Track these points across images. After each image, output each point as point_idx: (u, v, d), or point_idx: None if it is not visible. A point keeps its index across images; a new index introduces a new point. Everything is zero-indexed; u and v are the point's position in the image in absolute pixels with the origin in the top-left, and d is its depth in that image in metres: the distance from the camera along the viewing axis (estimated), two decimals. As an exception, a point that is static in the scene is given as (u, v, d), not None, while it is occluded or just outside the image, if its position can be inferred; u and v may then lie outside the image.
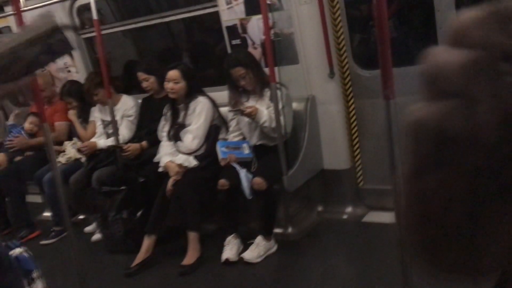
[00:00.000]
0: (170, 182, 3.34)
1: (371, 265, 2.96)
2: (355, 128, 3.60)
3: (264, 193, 3.19)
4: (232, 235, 3.31)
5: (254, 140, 3.41)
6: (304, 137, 3.50)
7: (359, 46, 3.69)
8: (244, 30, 3.61)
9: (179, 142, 3.54)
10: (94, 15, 3.72)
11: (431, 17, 3.17)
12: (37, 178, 4.17)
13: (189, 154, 3.47)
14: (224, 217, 3.43)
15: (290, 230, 3.48)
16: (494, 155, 0.41)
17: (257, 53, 3.57)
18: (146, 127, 3.91)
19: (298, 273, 3.02)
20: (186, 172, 3.38)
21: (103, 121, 4.16)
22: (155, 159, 3.56)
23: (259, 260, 3.21)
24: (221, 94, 3.58)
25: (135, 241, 3.48)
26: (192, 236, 3.29)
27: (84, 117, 4.32)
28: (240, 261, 3.21)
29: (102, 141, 4.05)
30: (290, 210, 3.48)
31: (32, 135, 4.51)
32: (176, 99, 3.57)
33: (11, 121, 5.13)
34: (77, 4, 4.35)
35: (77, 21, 4.45)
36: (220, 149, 3.42)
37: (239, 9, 3.56)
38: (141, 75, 3.85)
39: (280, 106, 3.20)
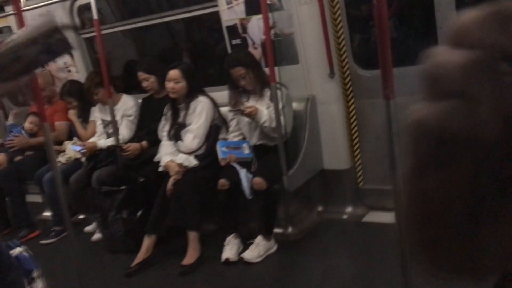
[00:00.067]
0: (171, 182, 3.34)
1: (371, 265, 2.96)
2: (355, 128, 3.60)
3: (264, 193, 3.19)
4: (232, 235, 3.31)
5: (254, 140, 3.42)
6: (304, 137, 3.50)
7: (359, 46, 3.69)
8: (244, 30, 3.61)
9: (179, 142, 3.54)
10: (94, 15, 3.72)
11: (431, 17, 3.17)
12: (37, 177, 4.17)
13: (189, 153, 3.47)
14: (224, 217, 3.44)
15: (290, 230, 3.49)
16: (494, 154, 0.41)
17: (257, 53, 3.57)
18: (146, 127, 3.91)
19: (298, 273, 3.02)
20: (186, 171, 3.38)
21: (103, 120, 4.16)
22: (156, 159, 3.55)
23: (259, 260, 3.21)
24: (221, 94, 3.58)
25: (135, 241, 3.48)
26: (192, 236, 3.29)
27: (84, 117, 4.32)
28: (240, 261, 3.21)
29: (102, 141, 4.05)
30: (290, 210, 3.48)
31: (32, 134, 4.51)
32: (177, 99, 3.57)
33: (10, 121, 5.13)
34: (77, 4, 4.35)
35: (77, 21, 4.44)
36: (220, 149, 3.42)
37: (239, 9, 3.56)
38: (141, 75, 3.85)
39: (280, 106, 3.20)
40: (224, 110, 3.60)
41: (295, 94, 3.45)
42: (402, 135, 0.48)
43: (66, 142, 4.27)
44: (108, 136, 4.09)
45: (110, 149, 3.91)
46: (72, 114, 4.32)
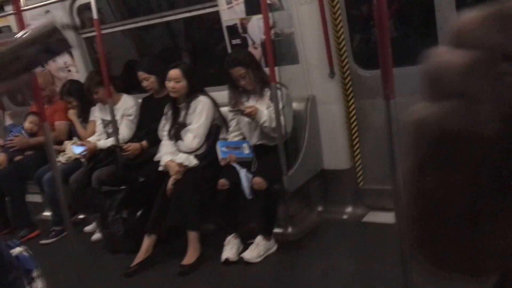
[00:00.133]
0: (171, 181, 3.34)
1: (371, 265, 2.96)
2: (355, 128, 3.60)
3: (264, 193, 3.19)
4: (232, 235, 3.31)
5: (254, 140, 3.41)
6: (304, 137, 3.50)
7: (360, 46, 3.69)
8: (245, 30, 3.61)
9: (179, 141, 3.54)
10: (94, 15, 3.72)
11: (431, 17, 3.17)
12: (37, 177, 4.17)
13: (189, 153, 3.47)
14: (224, 217, 3.44)
15: (290, 230, 3.49)
16: (494, 154, 0.41)
17: (257, 53, 3.57)
18: (146, 127, 3.91)
19: (298, 273, 3.02)
20: (186, 171, 3.38)
21: (103, 120, 4.16)
22: (156, 158, 3.56)
23: (259, 260, 3.21)
24: (221, 94, 3.58)
25: (135, 240, 3.48)
26: (192, 236, 3.29)
27: (84, 116, 4.32)
28: (240, 261, 3.21)
29: (102, 142, 4.05)
30: (290, 210, 3.48)
31: (32, 134, 4.51)
32: (177, 98, 3.57)
33: (9, 121, 5.13)
34: (77, 3, 4.35)
35: (77, 20, 4.44)
36: (220, 149, 3.42)
37: (239, 8, 3.56)
38: (141, 75, 3.85)
39: (280, 106, 3.20)
40: (224, 110, 3.60)
41: (295, 94, 3.45)
42: (402, 135, 0.48)
43: (66, 142, 4.27)
44: (108, 135, 4.09)
45: (110, 149, 3.91)
46: (72, 114, 4.32)
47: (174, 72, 3.51)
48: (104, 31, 3.99)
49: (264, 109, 3.27)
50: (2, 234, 4.13)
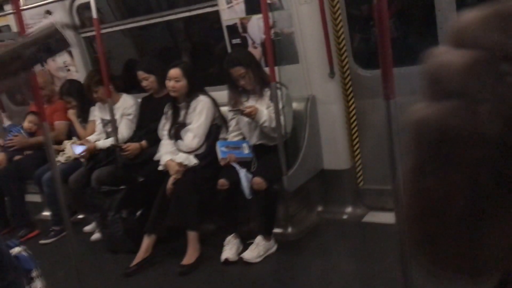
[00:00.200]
0: (170, 181, 3.33)
1: (371, 265, 2.96)
2: (355, 128, 3.60)
3: (264, 193, 3.19)
4: (231, 235, 3.31)
5: (254, 140, 3.41)
6: (304, 137, 3.50)
7: (360, 45, 3.69)
8: (244, 30, 3.61)
9: (179, 141, 3.54)
10: (94, 14, 3.72)
11: (431, 16, 3.17)
12: (37, 177, 4.17)
13: (189, 152, 3.47)
14: (223, 217, 3.43)
15: (289, 230, 3.48)
16: (495, 154, 0.41)
17: (257, 52, 3.57)
18: (145, 127, 3.91)
19: (298, 273, 3.02)
20: (186, 171, 3.38)
21: (102, 119, 4.16)
22: (155, 158, 3.55)
23: (258, 260, 3.20)
24: (221, 94, 3.58)
25: (135, 240, 3.48)
26: (192, 236, 3.29)
27: (84, 116, 4.32)
28: (240, 261, 3.21)
29: (101, 142, 4.04)
30: (290, 210, 3.47)
31: (31, 134, 4.50)
32: (177, 98, 3.57)
33: (7, 122, 5.13)
34: (76, 3, 4.35)
35: (76, 20, 4.44)
36: (220, 149, 3.42)
37: (239, 8, 3.56)
38: (141, 74, 3.85)
39: (280, 106, 3.20)
40: (224, 109, 3.60)
41: (295, 94, 3.45)
42: (402, 135, 0.48)
43: (65, 142, 4.27)
44: (107, 135, 4.09)
45: (109, 149, 3.91)
46: (71, 113, 4.32)
47: (174, 71, 3.51)
48: (103, 31, 3.99)
49: (264, 109, 3.27)
50: (2, 234, 4.13)
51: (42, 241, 4.08)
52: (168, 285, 3.19)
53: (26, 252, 1.98)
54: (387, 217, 3.15)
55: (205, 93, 3.60)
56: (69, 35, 3.98)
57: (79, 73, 4.59)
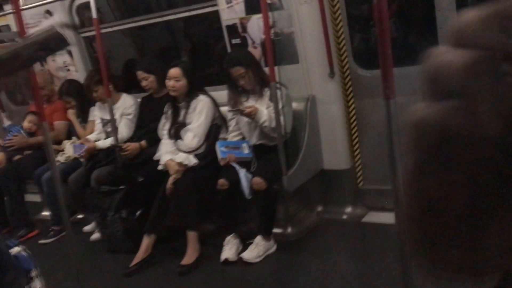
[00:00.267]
0: (170, 181, 3.33)
1: (370, 265, 2.96)
2: (355, 128, 3.60)
3: (263, 193, 3.19)
4: (231, 235, 3.31)
5: (254, 139, 3.41)
6: (304, 137, 3.50)
7: (360, 45, 3.69)
8: (244, 29, 3.61)
9: (179, 141, 3.54)
10: (94, 14, 3.72)
11: (431, 16, 3.17)
12: (36, 177, 4.17)
13: (189, 152, 3.47)
14: (223, 217, 3.43)
15: (289, 230, 3.48)
16: (495, 154, 0.41)
17: (257, 52, 3.57)
18: (145, 126, 3.91)
19: (297, 273, 3.02)
20: (186, 171, 3.38)
21: (102, 119, 4.16)
22: (155, 157, 3.55)
23: (258, 260, 3.20)
24: (221, 94, 3.58)
25: (134, 240, 3.47)
26: (191, 236, 3.29)
27: (83, 116, 4.32)
28: (239, 261, 3.21)
29: (101, 142, 4.04)
30: (289, 210, 3.48)
31: (31, 134, 4.50)
32: (177, 97, 3.57)
33: (7, 122, 5.13)
34: (76, 2, 4.35)
35: (76, 19, 4.44)
36: (220, 149, 3.42)
37: (239, 8, 3.56)
38: (140, 74, 3.85)
39: (280, 105, 3.20)
40: (224, 109, 3.60)
41: (295, 94, 3.45)
42: (402, 135, 0.48)
43: (65, 142, 4.27)
44: (107, 135, 4.09)
45: (109, 149, 3.91)
46: (71, 113, 4.32)
47: (174, 71, 3.51)
48: (103, 31, 3.98)
49: (263, 109, 3.27)
50: (1, 234, 4.13)
51: (41, 241, 4.08)
52: (167, 285, 3.19)
53: (26, 252, 1.98)
54: (387, 217, 3.15)
55: (205, 92, 3.60)
56: (69, 35, 3.99)
57: (78, 73, 4.59)
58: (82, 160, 4.06)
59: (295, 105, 3.48)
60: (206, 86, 3.72)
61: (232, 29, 3.65)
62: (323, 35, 3.36)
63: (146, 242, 3.38)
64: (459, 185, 0.42)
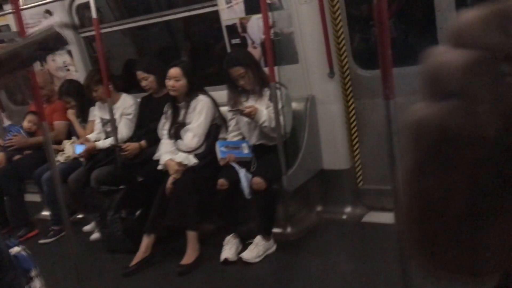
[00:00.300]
0: (170, 180, 3.33)
1: (370, 265, 2.96)
2: (355, 128, 3.60)
3: (263, 192, 3.19)
4: (231, 235, 3.31)
5: (254, 139, 3.41)
6: (303, 137, 3.49)
7: (359, 45, 3.69)
8: (244, 29, 3.61)
9: (179, 141, 3.54)
10: (94, 14, 3.72)
11: (431, 17, 3.17)
12: (36, 177, 4.16)
13: (189, 152, 3.47)
14: (223, 217, 3.43)
15: (289, 230, 3.48)
16: (494, 154, 0.41)
17: (256, 52, 3.57)
18: (145, 126, 3.91)
19: (297, 273, 3.02)
20: (186, 170, 3.37)
21: (102, 119, 4.15)
22: (155, 157, 3.55)
23: (258, 260, 3.20)
24: (221, 94, 3.58)
25: (134, 240, 3.47)
26: (191, 236, 3.29)
27: (83, 116, 4.32)
28: (239, 261, 3.21)
29: (101, 142, 4.04)
30: (289, 210, 3.47)
31: (31, 134, 4.50)
32: (177, 97, 3.57)
33: (7, 122, 5.13)
34: (76, 2, 4.35)
35: (76, 19, 4.44)
36: (219, 149, 3.42)
37: (239, 8, 3.56)
38: (140, 74, 3.85)
39: (279, 106, 3.20)
40: (224, 109, 3.60)
41: (295, 94, 3.45)
42: (402, 135, 0.48)
43: (64, 142, 4.27)
44: (107, 134, 4.09)
45: (109, 149, 3.91)
46: (70, 113, 4.32)
47: (174, 71, 3.51)
48: (103, 30, 3.98)
49: (263, 109, 3.27)
50: (1, 234, 4.13)
51: (41, 241, 4.08)
52: (167, 285, 3.19)
53: (25, 251, 1.98)
54: (387, 217, 3.15)
55: (205, 92, 3.60)
56: (69, 35, 3.99)
57: (78, 73, 4.59)
58: (82, 160, 4.06)
59: (294, 105, 3.48)
60: (206, 86, 3.72)
61: (232, 29, 3.65)
62: (323, 35, 3.36)
63: (146, 242, 3.38)
64: (459, 185, 0.42)
